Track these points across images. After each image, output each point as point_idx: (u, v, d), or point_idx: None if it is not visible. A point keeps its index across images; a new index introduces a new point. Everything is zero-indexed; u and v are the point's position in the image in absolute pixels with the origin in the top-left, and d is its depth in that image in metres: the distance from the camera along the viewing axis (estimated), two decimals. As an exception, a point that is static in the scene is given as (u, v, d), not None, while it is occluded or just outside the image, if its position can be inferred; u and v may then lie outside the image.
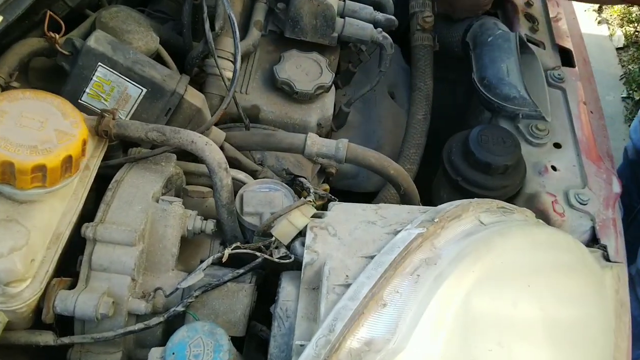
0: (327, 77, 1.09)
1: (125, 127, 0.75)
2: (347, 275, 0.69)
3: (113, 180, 0.76)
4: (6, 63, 0.77)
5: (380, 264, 0.68)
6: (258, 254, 0.69)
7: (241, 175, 0.92)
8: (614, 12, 3.44)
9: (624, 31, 3.34)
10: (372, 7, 1.19)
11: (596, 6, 3.50)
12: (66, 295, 0.67)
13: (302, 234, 0.75)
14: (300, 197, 0.95)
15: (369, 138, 1.34)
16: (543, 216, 1.11)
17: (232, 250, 0.68)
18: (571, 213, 1.12)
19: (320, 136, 1.12)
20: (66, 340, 0.67)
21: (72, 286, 0.70)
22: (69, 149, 0.63)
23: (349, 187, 1.32)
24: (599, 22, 3.47)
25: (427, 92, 1.21)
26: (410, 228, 0.74)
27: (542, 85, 1.31)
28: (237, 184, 0.92)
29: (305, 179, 0.96)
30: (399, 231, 0.75)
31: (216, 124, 0.91)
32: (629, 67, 3.15)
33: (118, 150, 0.81)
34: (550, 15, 1.52)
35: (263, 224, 0.74)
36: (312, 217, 0.76)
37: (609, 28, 3.43)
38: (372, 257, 0.71)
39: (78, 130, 0.65)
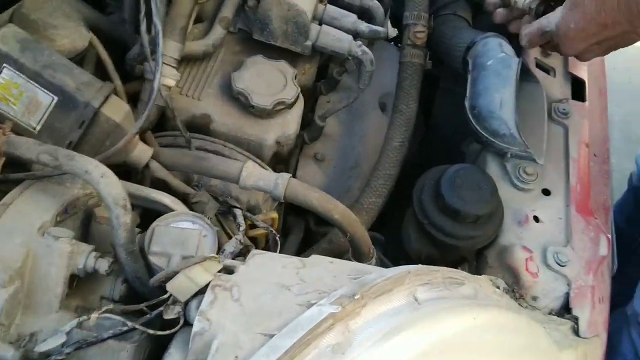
0: (290, 92, 0.97)
1: (16, 145, 0.66)
2: (236, 357, 0.60)
3: (0, 203, 0.67)
4: None
5: (276, 349, 0.59)
6: (129, 323, 0.60)
7: (167, 199, 0.82)
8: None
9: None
10: (356, 15, 1.05)
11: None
12: None
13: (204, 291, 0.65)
14: (233, 230, 0.86)
15: (347, 155, 1.23)
16: (513, 274, 0.99)
17: (99, 315, 0.59)
18: (546, 274, 1.00)
19: (281, 155, 1.03)
20: None
21: None
22: None
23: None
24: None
25: (408, 116, 1.08)
26: (324, 304, 0.63)
27: (542, 119, 1.17)
28: (166, 208, 0.83)
29: (241, 210, 0.86)
30: (313, 304, 0.65)
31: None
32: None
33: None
34: (569, 37, 1.35)
35: (155, 279, 0.65)
36: (220, 271, 0.67)
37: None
38: (271, 336, 0.61)
39: None
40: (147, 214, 0.84)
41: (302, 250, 1.12)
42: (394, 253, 1.15)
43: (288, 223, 1.23)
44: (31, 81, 0.71)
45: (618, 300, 1.44)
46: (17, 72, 0.71)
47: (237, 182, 0.80)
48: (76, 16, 0.80)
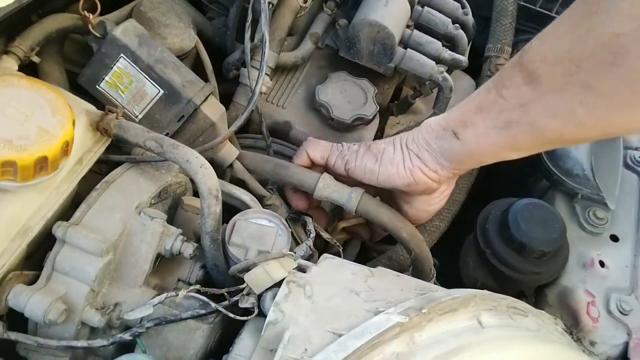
0: (370, 110, 1.01)
1: (126, 129, 0.71)
2: (305, 349, 0.62)
3: (103, 180, 0.73)
4: (30, 36, 0.75)
5: (344, 347, 0.61)
6: (212, 304, 0.64)
7: (246, 196, 0.86)
8: None
9: None
10: (440, 43, 1.08)
11: None
12: (21, 290, 0.65)
13: (278, 285, 0.69)
14: (300, 236, 0.90)
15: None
16: (574, 316, 0.98)
17: (186, 293, 0.63)
18: (607, 321, 0.98)
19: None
20: (12, 336, 0.65)
21: (33, 281, 0.68)
22: (45, 150, 0.60)
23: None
24: None
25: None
26: (392, 312, 0.66)
27: (617, 165, 1.16)
28: (243, 205, 0.88)
29: (311, 218, 0.90)
30: (381, 312, 0.67)
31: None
32: None
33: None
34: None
35: (235, 268, 0.69)
36: (294, 269, 0.70)
37: None
38: (340, 335, 0.63)
39: (62, 131, 0.61)
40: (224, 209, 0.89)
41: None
42: (445, 278, 1.16)
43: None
44: (143, 73, 0.77)
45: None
46: (132, 63, 0.77)
47: (312, 192, 0.84)
48: (187, 18, 0.87)
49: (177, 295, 0.63)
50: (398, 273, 0.78)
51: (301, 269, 0.71)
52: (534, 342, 0.72)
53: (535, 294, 1.04)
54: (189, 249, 0.73)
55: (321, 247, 1.03)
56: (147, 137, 0.70)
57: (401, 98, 1.28)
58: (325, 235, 0.93)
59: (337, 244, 0.93)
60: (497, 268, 0.99)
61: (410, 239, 0.85)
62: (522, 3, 1.42)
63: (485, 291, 0.75)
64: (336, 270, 0.73)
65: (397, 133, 1.13)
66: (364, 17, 1.00)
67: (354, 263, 0.77)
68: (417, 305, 0.67)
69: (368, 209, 0.83)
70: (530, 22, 1.46)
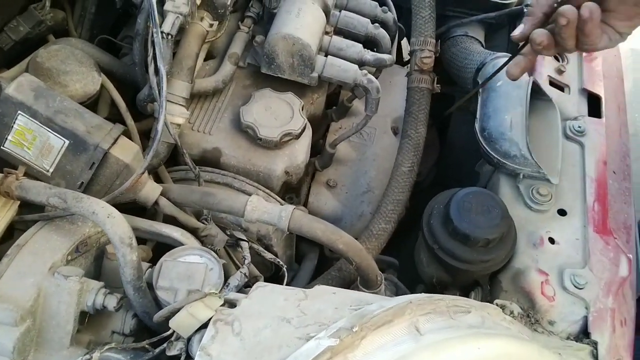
0: (297, 123, 0.99)
1: (27, 189, 0.69)
2: (235, 390, 0.61)
3: (15, 244, 0.71)
4: None
5: (273, 382, 0.60)
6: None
7: (177, 233, 0.85)
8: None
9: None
10: (361, 45, 1.07)
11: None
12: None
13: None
14: (240, 261, 0.88)
15: (359, 180, 1.24)
16: (529, 298, 0.98)
17: (102, 352, 0.61)
18: (563, 297, 0.97)
19: (291, 184, 1.05)
20: None
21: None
22: None
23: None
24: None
25: (417, 141, 1.09)
26: (322, 337, 0.64)
27: (557, 138, 1.16)
28: (176, 242, 0.86)
29: (247, 242, 0.88)
30: (312, 337, 0.65)
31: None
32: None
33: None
34: (584, 54, 1.34)
35: (158, 315, 0.67)
36: (223, 305, 0.68)
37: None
38: (270, 370, 0.62)
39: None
40: (161, 248, 0.87)
41: (316, 276, 1.13)
42: (411, 275, 1.15)
43: (302, 249, 1.25)
44: (44, 126, 0.75)
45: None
46: (31, 118, 0.75)
47: (242, 216, 0.82)
48: (88, 61, 0.85)
49: (91, 358, 0.61)
50: (336, 289, 0.77)
51: (232, 304, 0.70)
52: (476, 339, 0.71)
53: (489, 281, 1.03)
54: (112, 301, 0.71)
55: (272, 268, 1.02)
56: (50, 194, 0.68)
57: (339, 103, 1.27)
58: (268, 256, 0.92)
59: (281, 263, 0.91)
60: (447, 262, 0.98)
61: (348, 249, 0.84)
62: (448, -10, 1.41)
63: (422, 295, 0.74)
64: (267, 299, 0.71)
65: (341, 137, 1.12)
66: (277, 31, 0.99)
67: (289, 287, 0.75)
68: (348, 325, 0.66)
69: (300, 225, 0.82)
70: (460, 8, 1.46)
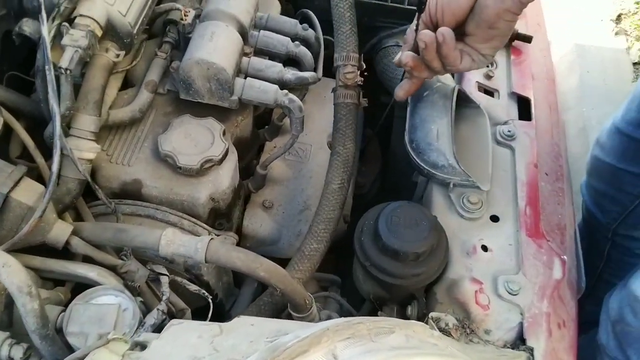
0: (218, 149, 0.97)
1: None
2: None
3: None
4: None
5: None
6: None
7: (92, 273, 0.82)
8: (633, 23, 3.18)
9: (642, 44, 3.08)
10: (281, 65, 1.06)
11: (614, 15, 3.25)
12: None
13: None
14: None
15: (296, 198, 1.22)
16: (464, 308, 0.97)
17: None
18: (498, 305, 0.97)
19: (219, 210, 1.02)
20: None
21: None
22: None
23: (270, 253, 1.20)
24: (617, 33, 3.22)
25: (345, 157, 1.08)
26: (231, 375, 0.62)
27: (486, 144, 1.16)
28: (93, 282, 0.83)
29: (167, 277, 0.85)
30: (222, 376, 0.63)
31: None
32: (645, 84, 2.89)
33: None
34: (512, 56, 1.35)
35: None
36: (131, 348, 0.66)
37: (627, 40, 3.17)
38: (176, 415, 0.60)
39: None
40: (83, 288, 0.84)
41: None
42: (356, 290, 1.14)
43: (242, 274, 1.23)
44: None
45: (593, 320, 1.39)
46: None
47: (157, 251, 0.80)
48: (-14, 102, 0.82)
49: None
50: (255, 320, 0.75)
51: (142, 345, 0.67)
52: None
53: (425, 293, 1.02)
54: (18, 352, 0.68)
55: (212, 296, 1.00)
56: (-61, 247, 0.65)
57: (271, 122, 1.26)
58: (192, 288, 0.90)
59: (206, 294, 0.89)
60: (380, 278, 0.97)
61: (270, 276, 0.82)
62: (374, 1, 1.42)
63: (340, 320, 0.72)
64: (180, 338, 0.69)
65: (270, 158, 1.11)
66: (190, 57, 0.97)
67: (205, 323, 0.73)
68: (259, 359, 0.64)
69: (218, 256, 0.80)
70: (389, 18, 1.47)
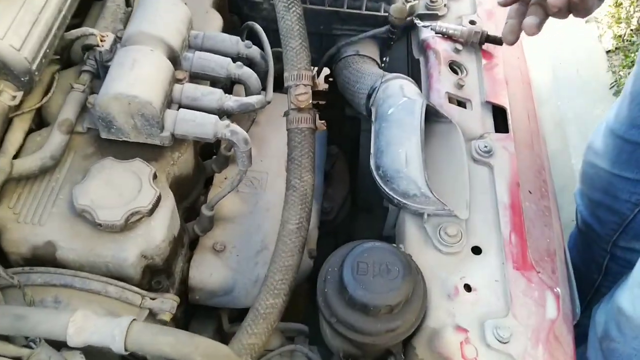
0: (147, 197, 0.81)
1: None
2: None
3: None
4: None
5: None
6: None
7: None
8: (603, 10, 3.10)
9: (614, 32, 3.00)
10: (221, 91, 0.91)
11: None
12: None
13: None
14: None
15: (251, 238, 1.07)
16: (448, 364, 0.84)
17: None
18: (487, 357, 0.84)
19: (156, 267, 0.87)
20: None
21: None
22: None
23: (224, 304, 1.05)
24: (587, 21, 3.13)
25: (303, 192, 0.93)
26: None
27: (462, 164, 1.03)
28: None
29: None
30: None
31: None
32: (620, 73, 2.81)
33: None
34: (484, 62, 1.22)
35: None
36: None
37: (598, 28, 3.09)
38: None
39: None
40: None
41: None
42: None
43: (195, 325, 1.07)
44: None
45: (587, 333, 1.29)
46: None
47: (65, 339, 0.64)
48: None
49: None
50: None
51: None
52: None
53: (403, 348, 0.88)
54: None
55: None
56: None
57: (218, 152, 1.11)
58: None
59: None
60: (348, 337, 0.83)
61: None
62: (329, 9, 1.28)
63: None
64: None
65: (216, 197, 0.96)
66: (107, 91, 0.82)
67: None
68: None
69: (141, 343, 0.65)
70: (347, 25, 1.33)
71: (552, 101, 2.68)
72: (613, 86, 2.77)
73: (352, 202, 1.49)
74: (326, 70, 1.51)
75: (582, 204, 1.46)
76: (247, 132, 0.92)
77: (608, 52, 2.97)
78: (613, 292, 1.20)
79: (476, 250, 0.95)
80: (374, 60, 1.29)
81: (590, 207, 1.43)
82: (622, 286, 1.17)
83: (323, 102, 1.62)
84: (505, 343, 0.84)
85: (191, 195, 1.03)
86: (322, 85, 1.66)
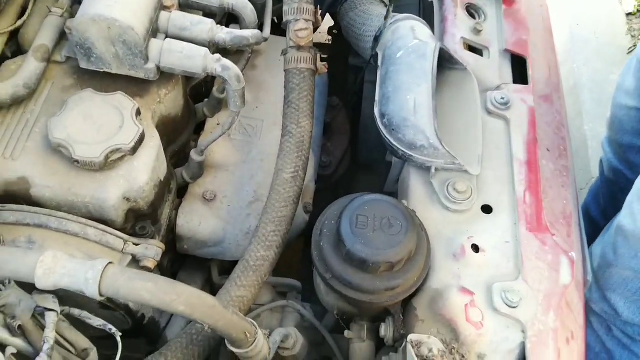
0: (129, 135, 0.74)
1: None
2: None
3: None
4: None
5: None
6: None
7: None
8: (625, -31, 2.94)
9: (636, -7, 2.85)
10: (212, 21, 0.82)
11: (606, -38, 3.01)
12: None
13: None
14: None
15: (244, 188, 1.00)
16: (451, 328, 0.78)
17: None
18: (494, 321, 0.78)
19: (139, 211, 0.80)
20: None
21: None
22: None
23: (214, 255, 0.99)
24: (608, -19, 2.98)
25: (300, 138, 0.85)
26: None
27: (476, 116, 0.94)
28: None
29: (56, 313, 0.64)
30: None
31: None
32: (640, 37, 2.68)
33: None
34: (504, 6, 1.12)
35: None
36: None
37: (619, -11, 2.94)
38: None
39: None
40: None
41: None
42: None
43: (184, 276, 1.02)
44: None
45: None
46: None
47: (34, 283, 0.58)
48: None
49: None
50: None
51: None
52: None
53: (403, 308, 0.82)
54: None
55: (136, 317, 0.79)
56: None
57: (210, 95, 1.02)
58: (96, 323, 0.68)
59: (112, 330, 0.67)
60: (344, 294, 0.76)
61: (193, 310, 0.61)
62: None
63: None
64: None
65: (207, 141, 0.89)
66: (84, 12, 0.73)
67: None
68: None
69: (117, 287, 0.58)
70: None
71: (567, 63, 2.57)
72: (631, 50, 2.64)
73: (353, 159, 1.41)
74: (329, 22, 1.40)
75: (610, 151, 1.43)
76: (242, 72, 0.83)
77: (628, 14, 2.82)
78: (611, 223, 1.18)
79: (487, 209, 0.87)
80: (382, 1, 1.19)
81: (619, 152, 1.39)
82: (624, 208, 1.14)
83: (326, 56, 1.52)
84: (513, 308, 0.78)
85: (180, 138, 0.95)
86: (326, 37, 1.57)
